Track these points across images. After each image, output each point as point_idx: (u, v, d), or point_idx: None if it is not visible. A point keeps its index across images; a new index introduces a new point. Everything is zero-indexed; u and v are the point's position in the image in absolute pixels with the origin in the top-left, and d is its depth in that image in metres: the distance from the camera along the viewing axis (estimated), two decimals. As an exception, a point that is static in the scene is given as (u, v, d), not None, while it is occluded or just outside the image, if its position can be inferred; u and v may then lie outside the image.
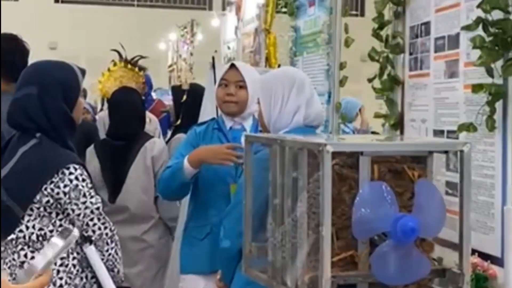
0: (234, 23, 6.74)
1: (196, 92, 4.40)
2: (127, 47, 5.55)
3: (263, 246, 2.04)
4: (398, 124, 3.00)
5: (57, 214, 2.64)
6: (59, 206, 2.62)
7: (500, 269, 2.29)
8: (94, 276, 2.70)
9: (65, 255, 2.61)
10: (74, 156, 2.68)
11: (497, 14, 2.28)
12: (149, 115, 5.23)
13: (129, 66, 5.09)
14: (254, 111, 3.22)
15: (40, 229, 2.61)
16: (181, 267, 3.40)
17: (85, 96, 8.30)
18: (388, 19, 3.04)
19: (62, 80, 2.66)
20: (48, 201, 2.60)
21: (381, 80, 3.06)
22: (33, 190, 2.59)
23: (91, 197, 2.66)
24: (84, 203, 2.63)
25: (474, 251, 2.20)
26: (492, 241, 2.34)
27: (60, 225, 2.64)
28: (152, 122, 5.48)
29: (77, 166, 2.64)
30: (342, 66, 3.83)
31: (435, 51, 2.74)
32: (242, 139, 3.19)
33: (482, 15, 2.31)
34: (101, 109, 7.80)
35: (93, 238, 2.67)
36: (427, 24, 2.81)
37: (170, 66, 11.91)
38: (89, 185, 2.66)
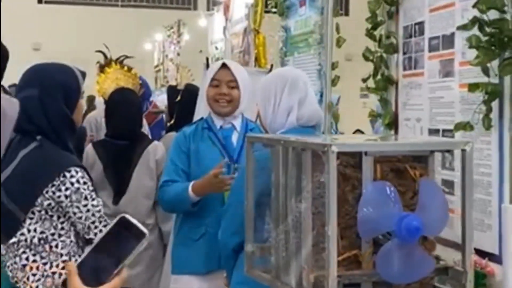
0: (222, 23, 6.74)
1: (191, 92, 4.42)
2: (112, 48, 5.55)
3: (264, 246, 2.05)
4: (392, 124, 3.02)
5: (59, 217, 2.63)
6: (60, 209, 2.62)
7: (498, 266, 2.32)
8: None
9: (67, 257, 2.61)
10: (75, 158, 2.68)
11: (492, 14, 2.30)
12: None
13: (125, 67, 5.10)
14: (243, 110, 3.24)
15: (42, 232, 2.61)
16: (173, 268, 3.40)
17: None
18: (381, 19, 3.06)
19: (63, 83, 2.65)
20: (49, 204, 2.60)
21: (375, 80, 3.08)
22: (34, 193, 2.58)
23: (93, 199, 2.66)
24: (85, 206, 2.63)
25: (472, 249, 2.23)
26: (489, 238, 2.37)
27: (62, 228, 2.63)
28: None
29: (78, 169, 2.64)
30: (334, 66, 3.86)
31: (430, 51, 2.76)
32: (234, 138, 3.22)
33: (478, 14, 2.33)
34: (87, 111, 7.78)
35: None
36: (420, 24, 2.83)
37: (156, 66, 11.89)
38: (91, 188, 2.66)
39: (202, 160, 3.22)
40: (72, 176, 2.62)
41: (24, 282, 2.55)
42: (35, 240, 2.60)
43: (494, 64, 2.30)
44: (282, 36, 4.52)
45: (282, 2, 4.50)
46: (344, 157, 1.76)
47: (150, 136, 4.63)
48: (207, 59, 4.28)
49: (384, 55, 3.04)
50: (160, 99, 7.29)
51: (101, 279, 1.24)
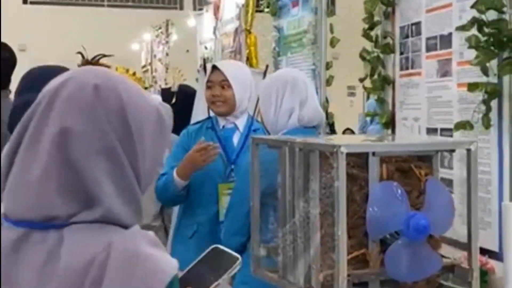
0: (211, 23, 6.73)
1: (186, 94, 4.40)
2: (98, 49, 5.48)
3: (269, 246, 2.07)
4: (389, 123, 3.05)
5: None
6: None
7: (498, 263, 2.35)
8: None
9: None
10: None
11: (491, 15, 2.33)
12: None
13: (129, 72, 5.07)
14: (246, 110, 3.25)
15: None
16: None
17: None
18: (377, 19, 3.08)
19: None
20: None
21: (372, 80, 3.11)
22: None
23: None
24: None
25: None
26: (489, 236, 2.40)
27: None
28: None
29: None
30: (328, 65, 3.88)
31: (427, 51, 2.79)
32: (235, 138, 3.23)
33: (476, 15, 2.36)
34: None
35: None
36: (417, 24, 2.86)
37: (143, 66, 11.86)
38: None
39: None
40: None
41: None
42: None
43: (493, 63, 2.33)
44: (275, 36, 4.54)
45: (275, 2, 4.51)
46: (351, 157, 1.78)
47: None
48: (204, 60, 4.27)
49: (381, 55, 3.07)
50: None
51: None
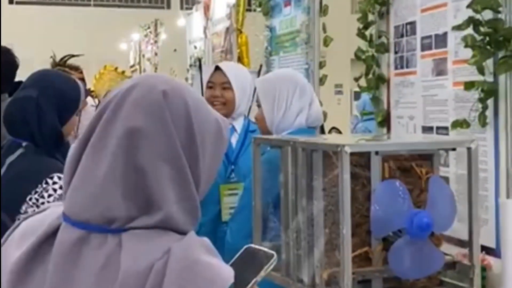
0: (201, 22, 6.75)
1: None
2: (85, 49, 5.46)
3: (272, 245, 2.09)
4: (385, 121, 3.08)
5: None
6: None
7: (495, 260, 2.38)
8: None
9: None
10: (58, 165, 2.65)
11: (487, 14, 2.36)
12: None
13: (118, 70, 5.07)
14: (244, 112, 3.26)
15: None
16: None
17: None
18: (372, 19, 3.11)
19: (62, 91, 2.65)
20: (33, 211, 2.59)
21: (366, 79, 3.13)
22: (19, 201, 2.57)
23: None
24: None
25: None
26: (486, 232, 2.42)
27: None
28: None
29: (61, 175, 2.62)
30: (321, 65, 3.90)
31: (422, 50, 2.81)
32: (233, 140, 3.24)
33: (472, 14, 2.39)
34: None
35: None
36: (412, 23, 2.89)
37: (132, 66, 11.85)
38: None
39: None
40: (54, 183, 2.60)
41: None
42: None
43: (489, 62, 2.36)
44: (267, 36, 4.55)
45: (267, 1, 4.53)
46: (353, 156, 1.80)
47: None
48: (200, 60, 4.28)
49: (376, 54, 3.09)
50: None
51: None
